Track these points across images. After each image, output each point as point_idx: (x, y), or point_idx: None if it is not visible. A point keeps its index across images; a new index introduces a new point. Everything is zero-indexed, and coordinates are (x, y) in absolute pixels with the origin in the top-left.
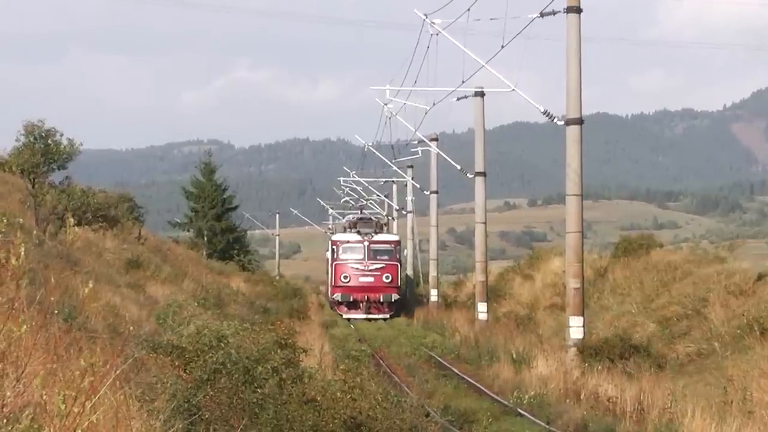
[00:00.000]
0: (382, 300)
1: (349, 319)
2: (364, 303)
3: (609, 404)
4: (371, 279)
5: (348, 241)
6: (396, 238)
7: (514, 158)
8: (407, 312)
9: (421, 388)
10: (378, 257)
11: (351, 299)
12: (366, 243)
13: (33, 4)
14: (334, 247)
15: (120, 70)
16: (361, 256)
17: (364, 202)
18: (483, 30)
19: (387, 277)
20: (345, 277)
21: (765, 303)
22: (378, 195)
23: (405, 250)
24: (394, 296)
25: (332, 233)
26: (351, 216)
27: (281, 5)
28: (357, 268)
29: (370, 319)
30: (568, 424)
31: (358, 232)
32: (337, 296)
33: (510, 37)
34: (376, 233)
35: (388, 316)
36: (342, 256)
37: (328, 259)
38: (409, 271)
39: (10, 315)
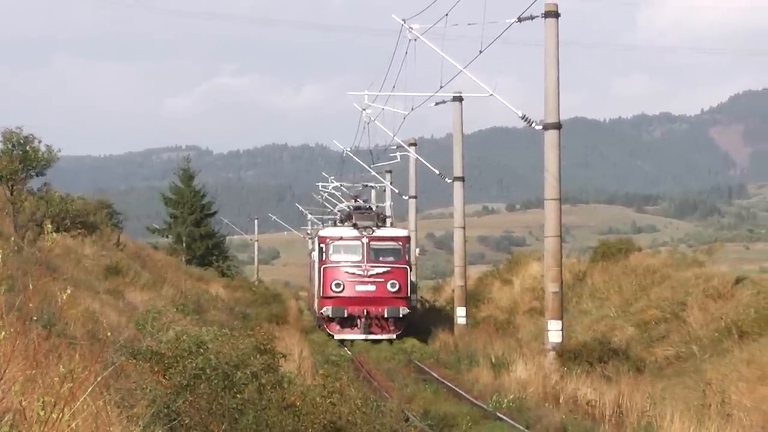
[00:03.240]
0: (386, 315)
1: (342, 342)
2: (363, 319)
3: (588, 408)
4: (372, 287)
5: (341, 238)
6: (404, 233)
7: (493, 163)
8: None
9: (401, 393)
10: (381, 258)
11: (345, 314)
12: (365, 240)
13: (18, 8)
14: (323, 245)
15: (101, 76)
16: (359, 258)
17: (360, 188)
18: (461, 35)
19: (393, 285)
20: (337, 285)
21: (743, 306)
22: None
23: (417, 250)
24: (403, 310)
25: (312, 235)
26: (344, 205)
27: (267, 12)
28: (353, 273)
29: (371, 341)
30: (548, 428)
31: (354, 226)
32: (327, 310)
33: (488, 42)
34: (378, 227)
35: (394, 336)
36: (333, 258)
37: (313, 262)
38: None
39: None
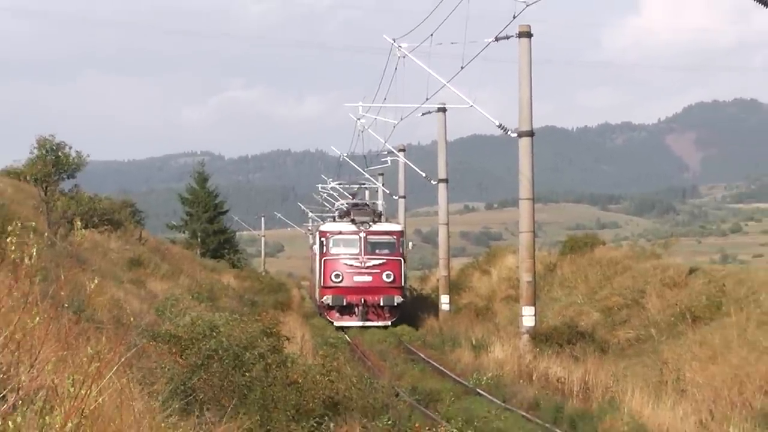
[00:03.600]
0: (382, 303)
1: (341, 328)
2: (360, 307)
3: (558, 384)
4: (369, 278)
5: (340, 232)
6: (399, 227)
7: (473, 167)
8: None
9: (392, 371)
10: (377, 251)
11: (344, 303)
12: (362, 234)
13: (50, 31)
14: (323, 239)
15: (124, 90)
16: (357, 251)
17: (357, 187)
18: (445, 53)
19: (388, 276)
20: (337, 276)
21: (696, 294)
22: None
23: (410, 243)
24: (397, 299)
25: (313, 230)
26: (342, 202)
27: (271, 32)
28: (351, 265)
29: (367, 327)
30: (522, 402)
31: (353, 221)
32: (328, 299)
33: (468, 59)
34: (374, 222)
35: (389, 323)
36: (333, 251)
37: (314, 254)
38: None
39: (25, 308)
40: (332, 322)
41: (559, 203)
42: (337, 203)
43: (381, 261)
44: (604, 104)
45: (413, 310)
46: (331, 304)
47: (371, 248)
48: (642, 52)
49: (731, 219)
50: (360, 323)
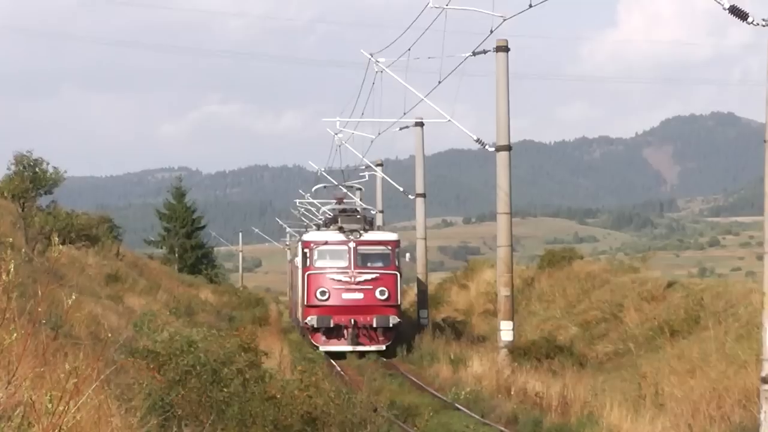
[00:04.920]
0: (375, 325)
1: (329, 354)
2: (350, 329)
3: (536, 399)
4: (360, 295)
5: (327, 242)
6: (394, 236)
7: (451, 181)
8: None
9: (370, 386)
10: (369, 264)
11: (331, 324)
12: (352, 244)
13: (28, 46)
14: (307, 249)
15: (102, 106)
16: (346, 263)
17: (344, 191)
18: (422, 67)
19: (382, 292)
20: (322, 293)
21: (674, 307)
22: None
23: (407, 255)
24: (393, 319)
25: (291, 245)
26: (328, 208)
27: (248, 47)
28: (339, 280)
29: (359, 354)
30: (500, 417)
31: (340, 229)
32: (312, 320)
33: (446, 73)
34: (366, 230)
35: (383, 347)
36: (318, 263)
37: (296, 268)
38: None
39: (2, 324)
40: (317, 347)
41: (536, 217)
42: (322, 208)
43: (374, 275)
44: (581, 118)
45: None
46: (316, 325)
47: (362, 261)
48: (619, 65)
49: (709, 232)
50: (350, 348)
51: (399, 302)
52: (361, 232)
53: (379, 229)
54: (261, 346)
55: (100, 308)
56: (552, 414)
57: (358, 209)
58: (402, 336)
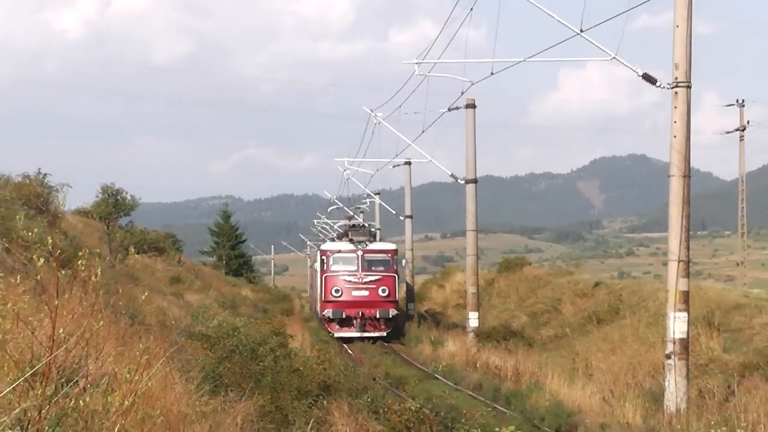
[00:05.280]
0: (378, 316)
1: (341, 339)
2: (358, 320)
3: (496, 371)
4: (366, 292)
5: (340, 251)
6: (393, 246)
7: (432, 206)
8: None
9: (370, 362)
10: (373, 268)
11: (343, 316)
12: (360, 252)
13: (112, 105)
14: (324, 257)
15: (168, 149)
16: (355, 267)
17: (356, 209)
18: (410, 120)
19: (383, 290)
20: (337, 291)
21: (600, 302)
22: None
23: (404, 261)
24: (392, 311)
25: (315, 249)
26: (341, 224)
27: (278, 104)
28: (350, 281)
29: (364, 338)
30: (469, 384)
31: (351, 241)
32: (329, 312)
33: (428, 124)
34: (371, 241)
35: (384, 333)
36: (333, 268)
37: (315, 271)
38: None
39: (92, 314)
40: (332, 334)
41: (496, 233)
42: (337, 224)
43: (377, 277)
44: (531, 158)
45: None
46: (331, 316)
47: (368, 265)
48: (560, 118)
49: (626, 245)
50: (358, 334)
51: (397, 298)
52: (367, 243)
53: (381, 240)
54: (288, 331)
55: (166, 303)
56: (508, 382)
57: (365, 224)
58: (397, 324)
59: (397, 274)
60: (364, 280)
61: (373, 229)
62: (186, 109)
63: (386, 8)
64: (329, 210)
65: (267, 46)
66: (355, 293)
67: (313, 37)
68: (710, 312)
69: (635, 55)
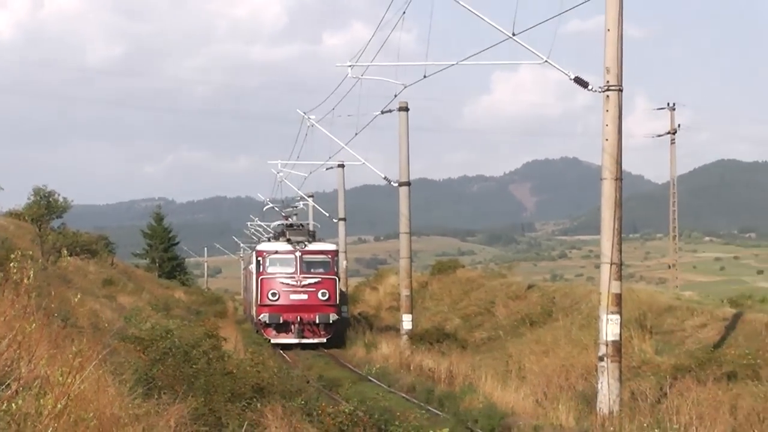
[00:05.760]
0: (317, 321)
1: (278, 346)
2: (297, 325)
3: (429, 373)
4: (305, 296)
5: (277, 252)
6: (333, 247)
7: (365, 208)
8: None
9: (304, 364)
10: (312, 270)
11: (281, 321)
12: (298, 254)
13: (44, 106)
14: (260, 258)
15: (101, 151)
16: (293, 269)
17: (291, 210)
18: (343, 122)
19: (323, 294)
20: (273, 295)
21: (533, 304)
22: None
23: (344, 263)
24: (332, 316)
25: (244, 256)
26: (278, 223)
27: (211, 106)
28: (287, 284)
29: (303, 345)
30: (403, 386)
31: (288, 241)
32: (264, 317)
33: (361, 127)
34: (309, 242)
35: (324, 340)
36: (270, 270)
37: (250, 273)
38: None
39: (24, 317)
40: (269, 340)
41: (429, 236)
42: (273, 224)
43: (316, 279)
44: (463, 161)
45: None
46: (267, 321)
47: (307, 267)
48: (492, 121)
49: (558, 247)
50: (296, 340)
51: (338, 302)
52: (306, 243)
53: (320, 241)
54: (221, 333)
55: (99, 305)
56: (442, 384)
57: (303, 224)
58: (338, 330)
59: (338, 276)
60: (303, 282)
61: (312, 229)
62: (119, 111)
63: (319, 11)
64: (264, 209)
65: (200, 50)
66: (293, 297)
67: (246, 41)
68: (642, 314)
69: (567, 59)
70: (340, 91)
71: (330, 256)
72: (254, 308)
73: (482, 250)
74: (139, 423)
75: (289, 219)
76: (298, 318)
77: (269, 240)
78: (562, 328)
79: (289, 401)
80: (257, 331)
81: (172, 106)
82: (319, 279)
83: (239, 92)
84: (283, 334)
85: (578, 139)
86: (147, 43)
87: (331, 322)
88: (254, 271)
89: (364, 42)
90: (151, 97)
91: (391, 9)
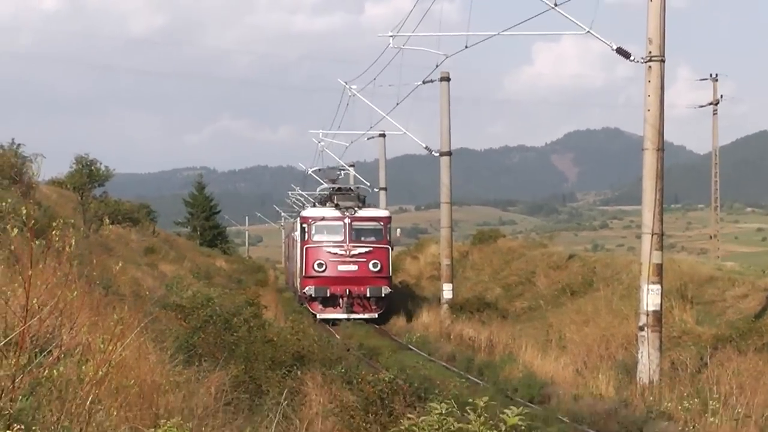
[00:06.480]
0: (368, 294)
1: (326, 321)
2: (345, 299)
3: (469, 342)
4: (354, 267)
5: (324, 218)
6: (386, 213)
7: (406, 178)
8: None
9: (344, 333)
10: (363, 239)
11: (328, 294)
12: (347, 220)
13: (88, 77)
14: (305, 225)
15: (143, 121)
16: (341, 238)
17: (339, 173)
18: (385, 93)
19: (375, 265)
20: (320, 265)
21: (573, 274)
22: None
23: (398, 230)
24: (385, 289)
25: (286, 225)
26: (324, 187)
27: (255, 74)
28: (335, 253)
29: (352, 320)
30: (443, 355)
31: (336, 206)
32: (310, 290)
33: (402, 97)
34: (360, 207)
35: (376, 315)
36: (316, 238)
37: (294, 242)
38: None
39: (66, 285)
40: (315, 315)
41: (470, 206)
42: (319, 187)
43: (367, 249)
44: (504, 131)
45: None
46: (313, 295)
47: (356, 235)
48: (534, 92)
49: (600, 218)
50: (345, 316)
51: (390, 274)
52: (356, 209)
53: (371, 207)
54: (262, 301)
55: (140, 273)
56: (482, 353)
57: (352, 188)
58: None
59: (390, 245)
60: (353, 252)
61: (362, 193)
62: (161, 81)
63: None
64: (310, 171)
65: (242, 19)
66: (342, 268)
67: (288, 10)
68: (683, 285)
69: (609, 29)
70: (382, 62)
71: (382, 223)
72: (298, 280)
73: (523, 219)
74: (180, 390)
75: (337, 182)
76: (347, 291)
77: (314, 205)
78: (603, 298)
79: (329, 369)
80: (301, 305)
81: (215, 76)
82: (371, 248)
83: (281, 62)
84: (331, 309)
85: (620, 110)
86: (187, 14)
87: (383, 295)
88: (298, 240)
89: (406, 12)
90: (192, 67)
91: None
